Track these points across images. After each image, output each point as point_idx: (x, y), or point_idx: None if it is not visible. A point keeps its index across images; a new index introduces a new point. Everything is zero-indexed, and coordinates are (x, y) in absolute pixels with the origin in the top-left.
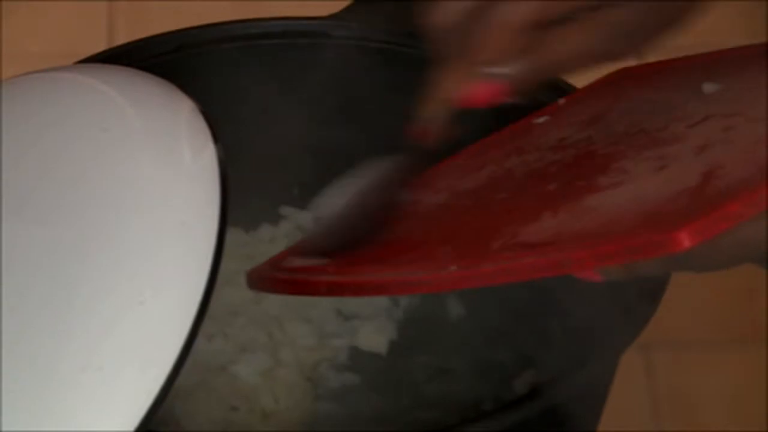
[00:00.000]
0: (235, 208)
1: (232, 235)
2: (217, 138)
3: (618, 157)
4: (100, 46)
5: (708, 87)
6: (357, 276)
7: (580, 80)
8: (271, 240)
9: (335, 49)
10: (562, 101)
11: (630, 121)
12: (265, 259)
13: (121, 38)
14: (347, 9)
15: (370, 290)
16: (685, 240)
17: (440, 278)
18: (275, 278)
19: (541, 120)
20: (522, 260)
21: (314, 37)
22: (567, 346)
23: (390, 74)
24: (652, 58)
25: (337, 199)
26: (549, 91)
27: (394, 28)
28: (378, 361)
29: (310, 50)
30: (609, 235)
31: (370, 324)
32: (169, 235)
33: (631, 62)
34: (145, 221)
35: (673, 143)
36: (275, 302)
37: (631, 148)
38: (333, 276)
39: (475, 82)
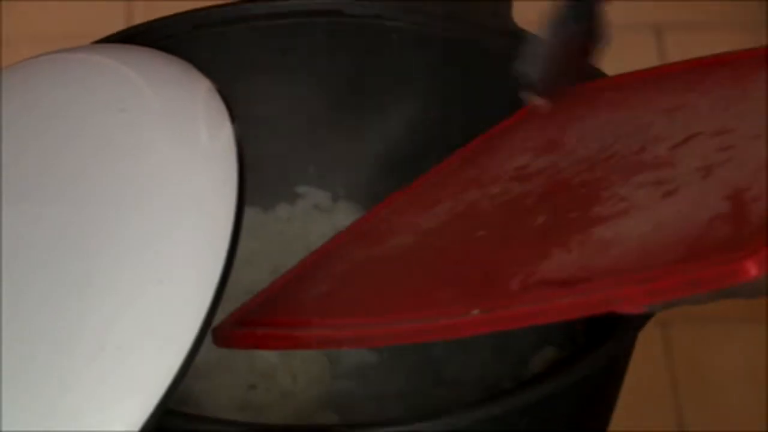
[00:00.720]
0: (252, 188)
1: (250, 214)
2: (234, 118)
3: (603, 184)
4: (118, 27)
5: (675, 102)
6: (357, 328)
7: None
8: (288, 219)
9: (351, 28)
10: (495, 130)
11: (597, 146)
12: (281, 239)
13: (139, 18)
14: None
15: (375, 341)
16: (753, 269)
17: (464, 324)
18: (252, 335)
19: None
20: (561, 300)
21: (329, 15)
22: (585, 324)
23: (405, 52)
24: None
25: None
26: None
27: (408, 6)
28: None
29: (326, 29)
30: (656, 268)
31: None
32: (187, 215)
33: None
34: (163, 201)
35: (664, 167)
36: None
37: (614, 173)
38: (325, 329)
39: None
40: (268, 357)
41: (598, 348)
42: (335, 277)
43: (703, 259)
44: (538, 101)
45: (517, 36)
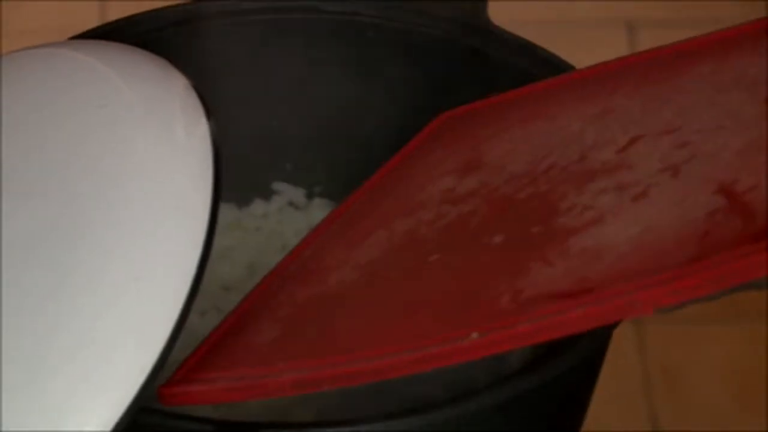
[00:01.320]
0: (228, 184)
1: (225, 210)
2: (210, 114)
3: (555, 196)
4: (92, 23)
5: (600, 107)
6: (338, 366)
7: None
8: (263, 215)
9: (328, 24)
10: (397, 158)
11: (526, 160)
12: (256, 236)
13: (113, 14)
14: None
15: (362, 377)
16: None
17: (463, 349)
18: (212, 389)
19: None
20: (572, 311)
21: (306, 12)
22: None
23: (382, 49)
24: None
25: None
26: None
27: (385, 4)
28: None
29: (303, 25)
30: (674, 268)
31: None
32: (164, 211)
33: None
34: (140, 197)
35: (618, 171)
36: None
37: (563, 184)
38: (299, 372)
39: None
40: None
41: (573, 346)
42: (282, 321)
43: (722, 254)
44: None
45: (494, 34)
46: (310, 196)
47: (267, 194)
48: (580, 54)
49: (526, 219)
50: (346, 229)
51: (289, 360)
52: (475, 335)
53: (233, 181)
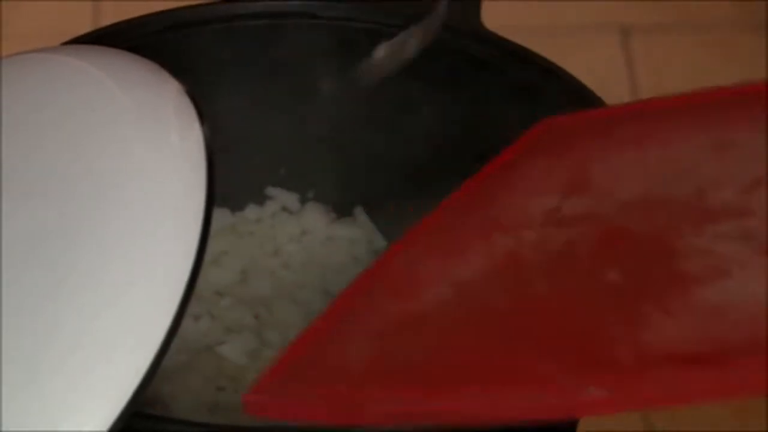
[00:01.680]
0: (221, 189)
1: (218, 215)
2: (203, 119)
3: (674, 234)
4: (85, 26)
5: (718, 139)
6: (437, 403)
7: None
8: (257, 220)
9: (323, 30)
10: (499, 162)
11: (640, 187)
12: (249, 241)
13: (107, 18)
14: None
15: (461, 418)
16: None
17: (582, 404)
18: (304, 406)
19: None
20: (704, 382)
21: (301, 17)
22: None
23: None
24: None
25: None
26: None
27: (380, 8)
28: None
29: (297, 31)
30: None
31: None
32: (157, 216)
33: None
34: (134, 201)
35: (743, 215)
36: (262, 283)
37: (682, 221)
38: (394, 404)
39: None
40: (235, 360)
41: None
42: (374, 336)
43: None
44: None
45: (488, 39)
46: (303, 200)
47: (260, 199)
48: (574, 58)
49: (644, 257)
50: (440, 238)
51: (387, 388)
52: (592, 390)
53: (227, 186)
